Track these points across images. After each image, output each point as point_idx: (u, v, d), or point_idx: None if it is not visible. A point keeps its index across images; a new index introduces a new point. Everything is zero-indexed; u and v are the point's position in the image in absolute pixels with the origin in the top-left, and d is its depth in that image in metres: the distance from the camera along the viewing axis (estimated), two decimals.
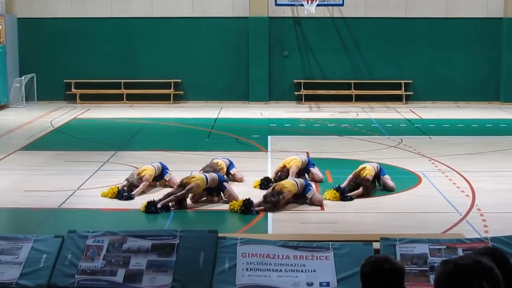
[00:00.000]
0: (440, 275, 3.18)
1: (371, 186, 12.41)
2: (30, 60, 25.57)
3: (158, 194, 12.13)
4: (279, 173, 13.16)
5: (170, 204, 11.50)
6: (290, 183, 11.71)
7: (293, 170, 13.10)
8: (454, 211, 11.34)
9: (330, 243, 6.68)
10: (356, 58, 25.68)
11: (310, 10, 23.44)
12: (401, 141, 17.61)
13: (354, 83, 25.52)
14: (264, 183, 12.79)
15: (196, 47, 25.69)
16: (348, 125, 20.57)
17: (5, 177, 13.92)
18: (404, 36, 25.57)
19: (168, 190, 12.11)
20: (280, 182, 11.92)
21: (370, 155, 15.58)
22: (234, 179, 13.35)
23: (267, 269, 6.40)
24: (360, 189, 12.19)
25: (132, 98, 25.62)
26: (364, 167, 12.56)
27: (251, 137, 18.23)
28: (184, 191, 11.55)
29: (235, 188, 12.29)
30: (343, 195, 12.02)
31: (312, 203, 11.71)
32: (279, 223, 10.86)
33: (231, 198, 11.73)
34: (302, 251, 6.53)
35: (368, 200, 12.14)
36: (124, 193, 12.11)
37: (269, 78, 25.57)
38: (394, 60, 25.64)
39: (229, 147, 16.79)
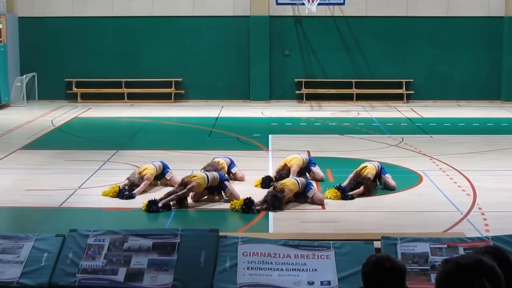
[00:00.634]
0: (441, 274, 3.18)
1: (372, 185, 12.41)
2: (31, 59, 25.57)
3: (159, 193, 12.14)
4: (280, 172, 13.15)
5: (171, 203, 11.51)
6: (291, 182, 11.71)
7: (294, 169, 13.09)
8: (455, 210, 11.34)
9: (331, 242, 6.68)
10: (357, 57, 25.67)
11: (311, 9, 23.44)
12: (402, 140, 17.61)
13: (355, 82, 25.52)
14: (265, 182, 12.79)
15: (197, 46, 25.69)
16: (349, 124, 20.56)
17: (6, 176, 13.92)
18: (405, 35, 25.56)
19: (169, 189, 12.11)
20: (282, 181, 11.92)
21: (371, 154, 15.57)
22: (235, 178, 13.35)
23: (268, 268, 6.39)
24: (361, 188, 12.20)
25: (133, 97, 25.62)
26: (365, 166, 12.56)
27: (252, 136, 18.23)
28: (185, 190, 11.55)
29: (236, 187, 12.28)
30: (344, 194, 12.02)
31: (313, 202, 11.71)
32: (280, 222, 10.86)
33: (232, 197, 11.73)
34: (303, 250, 6.53)
35: (369, 199, 12.13)
36: (125, 192, 12.12)
37: (270, 77, 25.57)
38: (395, 59, 25.62)
39: (230, 146, 16.79)
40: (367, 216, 11.29)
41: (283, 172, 13.06)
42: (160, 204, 11.37)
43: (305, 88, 25.53)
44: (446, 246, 6.50)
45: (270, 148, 16.70)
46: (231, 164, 13.56)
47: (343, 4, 24.74)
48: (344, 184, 12.33)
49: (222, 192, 11.94)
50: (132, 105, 24.95)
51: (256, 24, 25.36)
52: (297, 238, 7.05)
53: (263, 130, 19.51)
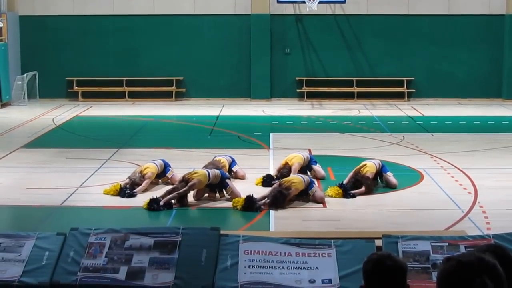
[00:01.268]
0: (442, 272, 3.18)
1: (372, 183, 12.40)
2: (32, 57, 25.57)
3: (160, 191, 12.14)
4: (281, 170, 13.15)
5: (172, 201, 11.50)
6: (298, 180, 11.65)
7: (295, 167, 13.08)
8: (456, 208, 11.34)
9: (332, 240, 6.68)
10: (358, 55, 25.67)
11: (312, 7, 23.44)
12: (403, 138, 17.60)
13: (356, 80, 25.50)
14: (266, 181, 12.79)
15: (198, 45, 25.69)
16: (350, 122, 20.56)
17: (7, 175, 13.93)
18: (406, 33, 25.55)
19: (169, 187, 12.10)
20: (288, 178, 11.84)
21: (372, 152, 15.56)
22: (236, 176, 13.35)
23: (269, 266, 6.40)
24: (363, 188, 12.18)
25: (134, 95, 25.62)
26: (365, 164, 12.55)
27: (253, 135, 18.23)
28: (186, 188, 11.54)
29: (237, 185, 12.28)
30: (346, 192, 12.02)
31: (314, 199, 11.68)
32: (281, 221, 10.86)
33: (233, 195, 11.72)
34: (304, 248, 6.53)
35: (370, 197, 12.13)
36: (126, 191, 12.12)
37: (271, 75, 25.56)
38: (396, 57, 25.61)
39: (231, 144, 16.79)
40: (368, 214, 11.28)
41: (284, 170, 13.06)
42: (161, 203, 11.37)
43: (306, 86, 25.53)
44: (447, 244, 6.50)
45: (271, 146, 16.69)
46: (232, 163, 13.56)
47: (344, 2, 24.73)
48: (344, 182, 12.33)
49: (223, 190, 11.93)
50: (133, 104, 24.94)
51: (257, 22, 25.35)
52: (298, 236, 7.06)
53: (264, 128, 19.51)
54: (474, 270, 3.10)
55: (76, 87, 25.69)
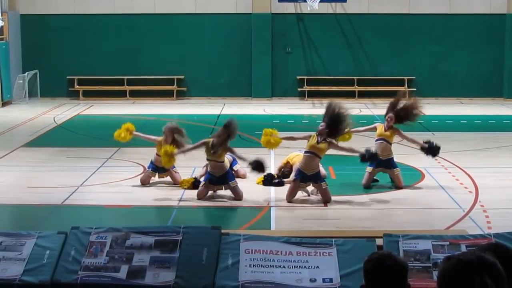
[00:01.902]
0: (443, 271, 3.18)
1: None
2: (33, 56, 25.58)
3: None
4: (282, 169, 13.16)
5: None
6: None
7: (296, 166, 13.06)
8: (457, 207, 11.33)
9: (333, 239, 6.67)
10: (359, 54, 25.66)
11: (313, 6, 23.44)
12: None
13: (357, 79, 25.51)
14: (267, 180, 12.79)
15: (199, 44, 25.69)
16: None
17: (8, 173, 13.93)
18: (407, 32, 25.54)
19: (170, 183, 12.13)
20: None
21: None
22: (237, 175, 13.32)
23: (270, 265, 6.39)
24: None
25: (135, 94, 25.62)
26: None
27: (254, 134, 18.19)
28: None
29: (238, 184, 12.27)
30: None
31: (321, 194, 11.73)
32: (282, 220, 10.87)
33: (235, 193, 11.76)
34: (305, 247, 6.52)
35: (371, 196, 12.14)
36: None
37: (272, 74, 25.57)
38: (397, 56, 25.61)
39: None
40: (369, 213, 11.28)
41: (286, 169, 13.07)
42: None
43: (307, 85, 25.53)
44: (448, 243, 6.49)
45: None
46: (233, 162, 13.54)
47: (345, 1, 24.74)
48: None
49: (229, 183, 11.89)
50: (134, 103, 24.94)
51: (258, 21, 25.35)
52: (299, 235, 7.05)
53: (265, 127, 19.43)
54: (474, 269, 3.10)
55: (77, 86, 25.69)
